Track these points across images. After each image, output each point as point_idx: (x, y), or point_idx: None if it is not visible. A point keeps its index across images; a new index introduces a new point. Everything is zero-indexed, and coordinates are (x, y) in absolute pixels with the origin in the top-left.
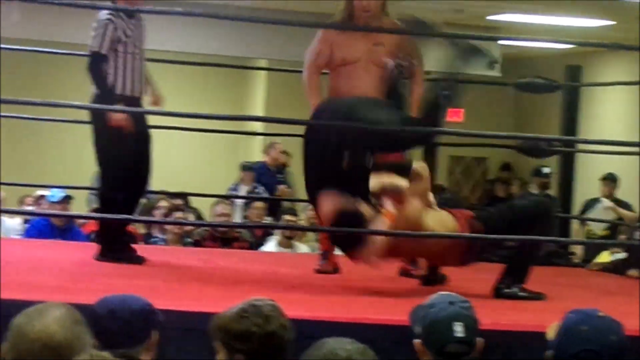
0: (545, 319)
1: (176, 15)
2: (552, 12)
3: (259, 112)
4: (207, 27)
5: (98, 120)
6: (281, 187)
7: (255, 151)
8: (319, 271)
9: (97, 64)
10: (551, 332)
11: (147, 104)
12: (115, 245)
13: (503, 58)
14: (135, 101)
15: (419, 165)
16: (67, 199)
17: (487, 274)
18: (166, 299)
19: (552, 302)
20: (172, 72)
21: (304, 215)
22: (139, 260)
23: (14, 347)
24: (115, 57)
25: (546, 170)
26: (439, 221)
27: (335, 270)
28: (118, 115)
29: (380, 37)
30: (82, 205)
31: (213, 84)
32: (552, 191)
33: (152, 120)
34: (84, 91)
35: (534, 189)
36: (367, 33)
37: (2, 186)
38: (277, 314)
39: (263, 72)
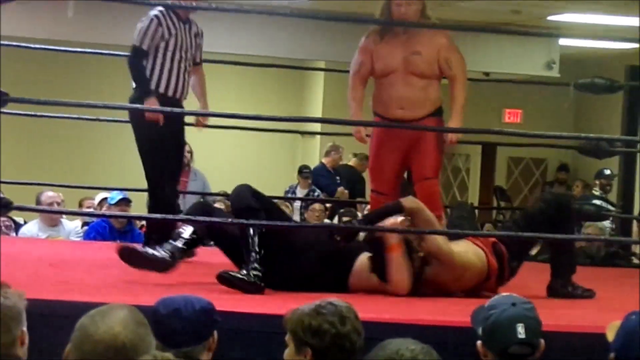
0: (606, 320)
1: (233, 12)
2: (612, 12)
3: (317, 112)
4: (267, 29)
5: (136, 116)
6: (340, 189)
7: (313, 151)
8: None
9: (136, 58)
10: (611, 333)
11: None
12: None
13: (562, 58)
14: (173, 102)
15: (407, 201)
16: (125, 201)
17: (539, 273)
18: (223, 299)
19: (612, 302)
20: (233, 74)
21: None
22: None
23: (78, 348)
24: (155, 54)
25: (608, 171)
26: (474, 254)
27: None
28: (156, 113)
29: (418, 45)
30: (142, 206)
31: (272, 86)
32: (613, 192)
33: (210, 120)
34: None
35: (596, 191)
36: (404, 42)
37: (62, 189)
38: (352, 316)
39: (321, 73)
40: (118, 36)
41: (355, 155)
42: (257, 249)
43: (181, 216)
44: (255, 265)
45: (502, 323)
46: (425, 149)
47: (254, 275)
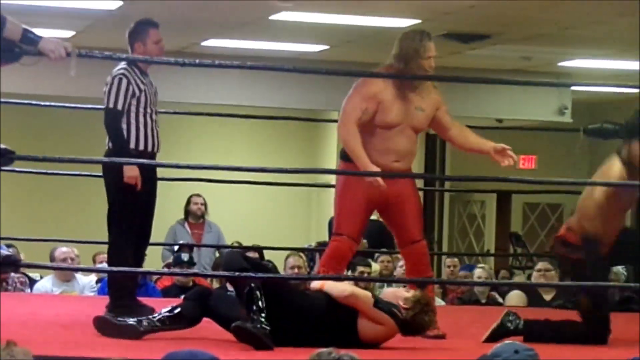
0: None
1: (223, 67)
2: (622, 57)
3: (332, 164)
4: (278, 80)
5: (112, 175)
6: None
7: (329, 203)
8: None
9: (114, 120)
10: None
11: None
12: (124, 298)
13: (574, 103)
14: (150, 156)
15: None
16: None
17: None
18: (230, 355)
19: (626, 349)
20: (246, 127)
21: (379, 266)
22: (148, 312)
23: None
24: (129, 113)
25: None
26: None
27: None
28: (132, 173)
29: (421, 101)
30: (158, 260)
31: (285, 137)
32: None
33: (222, 174)
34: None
35: None
36: (409, 97)
37: (76, 244)
38: None
39: (334, 124)
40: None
41: None
42: (261, 305)
43: (191, 271)
44: (262, 319)
45: None
46: (410, 209)
47: (264, 328)
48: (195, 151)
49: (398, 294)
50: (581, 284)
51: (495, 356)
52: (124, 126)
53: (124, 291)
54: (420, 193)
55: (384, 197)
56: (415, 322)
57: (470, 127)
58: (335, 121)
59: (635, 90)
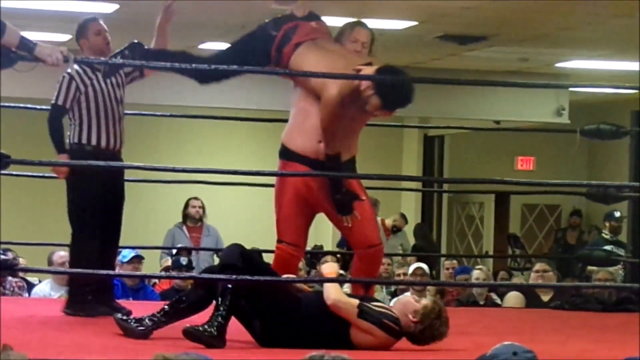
0: None
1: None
2: (619, 58)
3: None
4: (278, 83)
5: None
6: None
7: None
8: None
9: (54, 115)
10: None
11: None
12: (84, 298)
13: (571, 104)
14: (110, 155)
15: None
16: (137, 259)
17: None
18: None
19: (623, 349)
20: (244, 129)
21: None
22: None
23: None
24: (79, 109)
25: (617, 214)
26: None
27: None
28: (62, 168)
29: None
30: (156, 264)
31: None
32: (623, 236)
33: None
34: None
35: (605, 234)
36: None
37: None
38: None
39: None
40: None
41: None
42: (222, 309)
43: (189, 274)
44: (219, 320)
45: None
46: (363, 214)
47: (216, 327)
48: (192, 154)
49: (408, 307)
50: (580, 285)
51: (494, 357)
52: (76, 122)
53: (82, 289)
54: (419, 194)
55: (319, 198)
56: (425, 335)
57: (468, 128)
58: None
59: (633, 91)
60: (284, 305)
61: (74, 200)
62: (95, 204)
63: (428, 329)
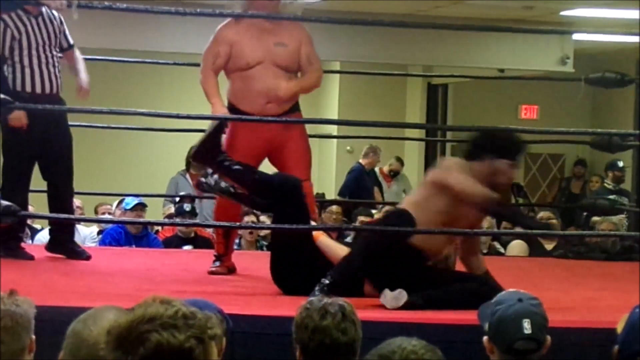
0: (617, 317)
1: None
2: (624, 6)
3: (333, 114)
4: None
5: (1, 117)
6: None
7: (330, 153)
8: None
9: None
10: (620, 326)
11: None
12: (7, 240)
13: (576, 53)
14: (47, 99)
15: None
16: (140, 206)
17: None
18: (234, 304)
19: (627, 297)
20: None
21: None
22: (28, 257)
23: (74, 354)
24: (12, 56)
25: (620, 163)
26: None
27: (231, 271)
28: (16, 115)
29: (282, 37)
30: (158, 211)
31: None
32: (627, 184)
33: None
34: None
35: (608, 183)
36: (267, 33)
37: (78, 195)
38: (339, 313)
39: (337, 74)
40: (121, 41)
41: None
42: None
43: (192, 221)
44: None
45: (508, 318)
46: (296, 149)
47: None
48: (195, 102)
49: None
50: (583, 234)
51: (499, 304)
52: (10, 69)
53: (8, 235)
54: (422, 143)
55: (268, 142)
56: None
57: (472, 77)
58: (336, 72)
59: (638, 39)
60: (300, 252)
61: (4, 143)
62: (27, 148)
63: None
